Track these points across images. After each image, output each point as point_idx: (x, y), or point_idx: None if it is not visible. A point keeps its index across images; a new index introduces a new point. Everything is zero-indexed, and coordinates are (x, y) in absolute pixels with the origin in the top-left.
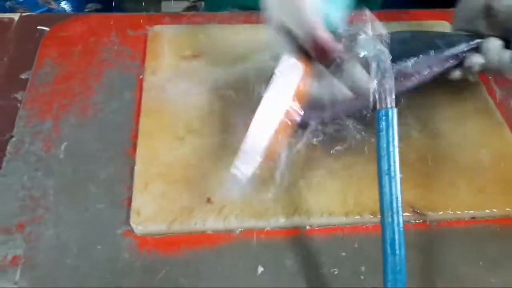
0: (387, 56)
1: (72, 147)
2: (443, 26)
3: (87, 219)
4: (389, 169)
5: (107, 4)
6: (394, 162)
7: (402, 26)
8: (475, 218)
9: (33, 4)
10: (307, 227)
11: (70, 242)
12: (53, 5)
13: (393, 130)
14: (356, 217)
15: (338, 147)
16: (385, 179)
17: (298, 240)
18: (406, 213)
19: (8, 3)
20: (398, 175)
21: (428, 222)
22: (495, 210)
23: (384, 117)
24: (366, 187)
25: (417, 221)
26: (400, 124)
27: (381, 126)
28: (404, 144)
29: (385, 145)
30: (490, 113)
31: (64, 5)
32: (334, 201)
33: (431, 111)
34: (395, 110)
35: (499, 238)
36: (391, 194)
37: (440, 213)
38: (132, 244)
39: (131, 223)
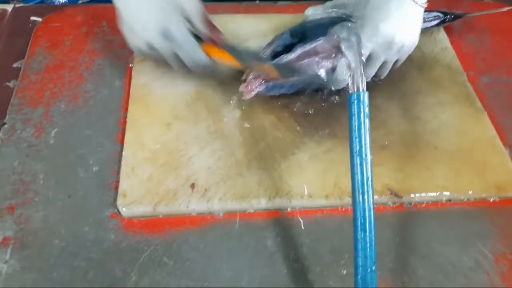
0: (359, 41)
1: (62, 133)
2: None
3: (75, 202)
4: (360, 150)
5: None
6: (366, 144)
7: None
8: (451, 201)
9: None
10: (288, 209)
11: (58, 223)
12: None
13: (364, 113)
14: (336, 199)
15: (321, 132)
16: (356, 160)
17: (279, 222)
18: (384, 196)
19: None
20: (369, 157)
21: (405, 204)
22: (470, 192)
23: (356, 101)
24: (346, 171)
25: (395, 204)
26: (381, 110)
27: (353, 109)
28: (384, 130)
29: (356, 127)
30: (470, 101)
31: None
32: (314, 184)
33: (413, 99)
34: (366, 94)
35: (473, 219)
36: (362, 175)
37: (417, 195)
38: (119, 225)
39: (117, 205)
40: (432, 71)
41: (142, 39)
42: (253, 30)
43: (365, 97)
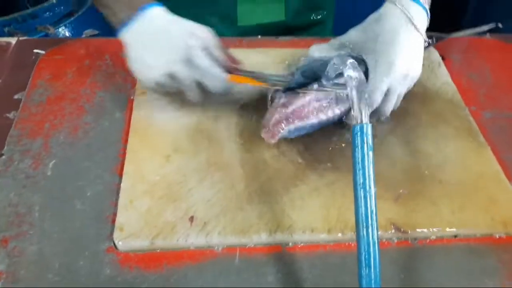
0: (362, 75)
1: (60, 164)
2: None
3: (71, 235)
4: (364, 182)
5: (105, 30)
6: (369, 176)
7: None
8: (457, 236)
9: (31, 29)
10: (290, 244)
11: (52, 257)
12: (51, 31)
13: (368, 145)
14: (339, 234)
15: (323, 165)
16: (360, 192)
17: (280, 257)
18: (388, 231)
19: (6, 28)
20: (373, 189)
21: (410, 240)
22: (476, 228)
23: (359, 132)
24: (349, 204)
25: (399, 239)
26: (384, 143)
27: (356, 141)
28: (387, 163)
29: (360, 159)
30: (473, 135)
31: (62, 31)
32: (316, 217)
33: (416, 132)
34: (369, 125)
35: (479, 256)
36: (366, 208)
37: (422, 230)
38: (114, 260)
39: (114, 238)
40: (434, 105)
41: (160, 70)
42: (255, 63)
43: (368, 128)
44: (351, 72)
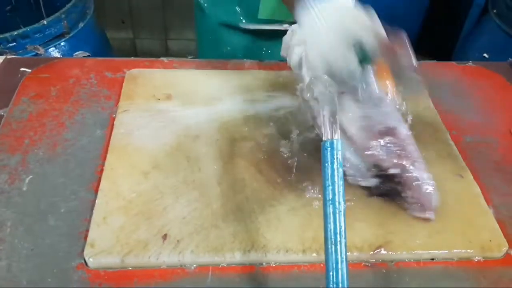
0: (333, 92)
1: (36, 180)
2: None
3: (42, 251)
4: (333, 198)
5: (95, 52)
6: (339, 192)
7: None
8: (434, 259)
9: (21, 49)
10: (264, 264)
11: (20, 273)
12: (41, 51)
13: (338, 161)
14: (313, 254)
15: (301, 185)
16: (329, 209)
17: (254, 277)
18: (363, 252)
19: None
20: (343, 206)
21: (386, 262)
22: (454, 251)
23: (329, 148)
24: None
25: (376, 261)
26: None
27: (326, 156)
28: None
29: (330, 175)
30: (453, 158)
31: (52, 52)
32: (292, 238)
33: None
34: (340, 141)
35: (457, 279)
36: (335, 224)
37: (398, 253)
38: (84, 277)
39: (84, 255)
40: (415, 128)
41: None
42: (238, 84)
43: (338, 144)
44: (322, 88)
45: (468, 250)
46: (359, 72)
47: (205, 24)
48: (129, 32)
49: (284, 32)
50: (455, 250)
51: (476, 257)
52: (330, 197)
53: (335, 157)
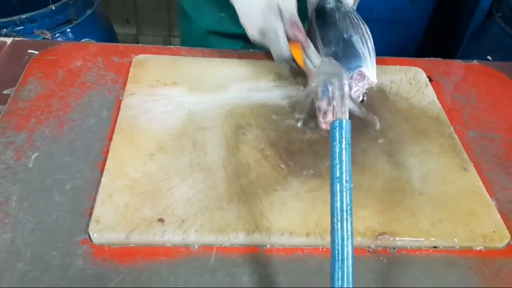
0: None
1: (42, 158)
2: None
3: (46, 226)
4: (340, 177)
5: (102, 40)
6: (346, 171)
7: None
8: (436, 248)
9: (29, 33)
10: (267, 246)
11: (24, 247)
12: (48, 36)
13: (346, 140)
14: (317, 238)
15: (306, 172)
16: (336, 187)
17: (257, 258)
18: (366, 237)
19: (4, 30)
20: (350, 184)
21: (389, 249)
22: (456, 240)
23: (338, 127)
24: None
25: (378, 247)
26: (367, 155)
27: (334, 136)
28: (368, 174)
29: (337, 153)
30: (457, 151)
31: (59, 38)
32: (295, 221)
33: (399, 146)
34: (348, 121)
35: (458, 268)
36: (341, 201)
37: (401, 239)
38: (88, 252)
39: (89, 230)
40: (419, 122)
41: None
42: (244, 73)
43: (347, 124)
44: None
45: (470, 240)
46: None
47: (192, 32)
48: (133, 28)
49: None
50: (456, 239)
51: (478, 247)
52: (338, 175)
53: (343, 136)
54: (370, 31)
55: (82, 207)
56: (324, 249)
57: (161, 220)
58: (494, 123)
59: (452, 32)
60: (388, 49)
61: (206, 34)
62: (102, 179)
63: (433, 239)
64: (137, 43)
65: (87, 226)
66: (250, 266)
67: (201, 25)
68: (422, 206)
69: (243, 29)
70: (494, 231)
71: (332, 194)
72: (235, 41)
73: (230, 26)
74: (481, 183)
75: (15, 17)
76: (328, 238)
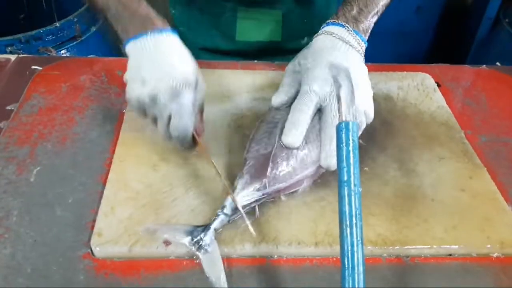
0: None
1: (44, 172)
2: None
3: (47, 240)
4: (348, 180)
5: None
6: (354, 174)
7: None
8: (451, 255)
9: (34, 50)
10: (275, 256)
11: (25, 261)
12: (53, 53)
13: (353, 142)
14: (326, 248)
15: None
16: (344, 191)
17: (265, 270)
18: (378, 246)
19: (9, 48)
20: (358, 188)
21: (402, 257)
22: (470, 246)
23: (344, 129)
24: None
25: (390, 256)
26: (376, 162)
27: (341, 138)
28: (379, 182)
29: (344, 156)
30: (468, 157)
31: (64, 54)
32: (304, 231)
33: (409, 152)
34: (355, 123)
35: (475, 276)
36: (350, 206)
37: (414, 247)
38: (90, 266)
39: (91, 244)
40: (428, 127)
41: (148, 88)
42: (247, 84)
43: (353, 126)
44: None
45: (487, 246)
46: None
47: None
48: None
49: (264, 51)
50: (471, 246)
51: (496, 254)
52: (345, 178)
53: (350, 138)
54: (378, 43)
55: (84, 220)
56: (334, 259)
57: (167, 244)
58: (507, 127)
59: (460, 42)
60: (397, 61)
61: (200, 51)
62: (105, 191)
63: (448, 246)
64: None
65: (89, 240)
66: (258, 278)
67: (194, 42)
68: (434, 212)
69: (236, 46)
70: None
71: (340, 198)
72: (228, 58)
73: (221, 43)
74: (495, 187)
75: (20, 35)
76: (337, 248)
